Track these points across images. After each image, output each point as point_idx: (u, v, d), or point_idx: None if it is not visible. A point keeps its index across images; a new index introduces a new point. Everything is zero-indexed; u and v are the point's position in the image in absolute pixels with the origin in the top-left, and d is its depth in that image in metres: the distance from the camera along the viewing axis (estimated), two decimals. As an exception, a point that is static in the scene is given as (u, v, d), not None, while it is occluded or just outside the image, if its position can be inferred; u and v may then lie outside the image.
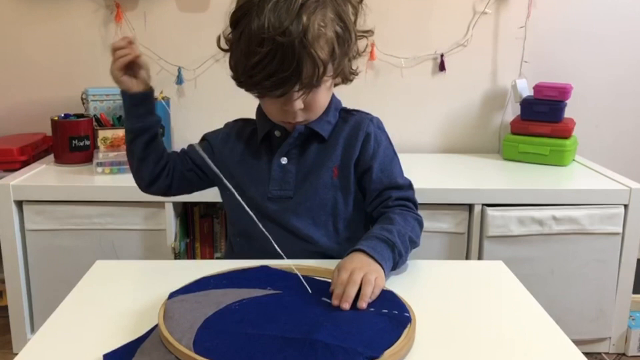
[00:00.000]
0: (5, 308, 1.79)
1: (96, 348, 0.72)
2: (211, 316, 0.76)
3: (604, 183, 1.78)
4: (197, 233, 1.92)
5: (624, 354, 1.84)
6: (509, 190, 1.74)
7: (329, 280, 0.87)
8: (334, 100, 1.10)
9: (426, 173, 1.89)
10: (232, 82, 1.01)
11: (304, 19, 0.91)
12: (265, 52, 0.91)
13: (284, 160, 1.07)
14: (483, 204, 1.72)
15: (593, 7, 2.08)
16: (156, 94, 1.98)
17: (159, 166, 1.13)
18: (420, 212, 1.08)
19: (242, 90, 1.02)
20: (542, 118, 1.98)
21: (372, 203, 1.08)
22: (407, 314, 0.78)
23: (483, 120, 2.16)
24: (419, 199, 1.10)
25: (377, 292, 0.84)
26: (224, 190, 1.14)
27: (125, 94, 1.08)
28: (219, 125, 1.18)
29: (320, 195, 1.06)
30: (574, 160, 2.03)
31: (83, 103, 2.00)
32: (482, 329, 0.80)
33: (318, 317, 0.77)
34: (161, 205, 1.72)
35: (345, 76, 1.05)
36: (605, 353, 1.84)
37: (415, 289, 0.92)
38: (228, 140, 1.14)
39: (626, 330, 1.82)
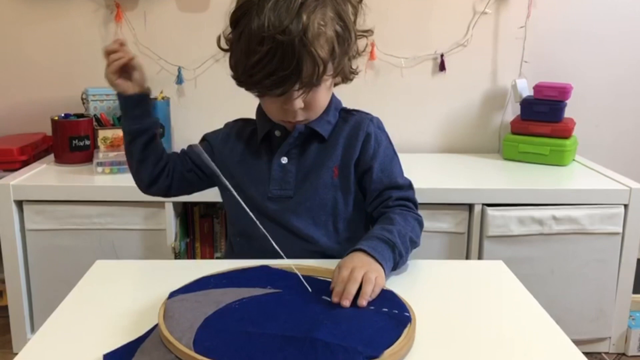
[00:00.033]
0: (5, 308, 1.79)
1: (96, 348, 0.72)
2: (211, 315, 0.76)
3: (604, 183, 1.78)
4: (197, 233, 1.92)
5: (624, 354, 1.84)
6: (509, 190, 1.74)
7: (329, 280, 0.87)
8: (334, 100, 1.10)
9: (426, 173, 1.88)
10: (232, 82, 1.01)
11: (304, 17, 0.91)
12: (266, 50, 0.91)
13: (284, 160, 1.07)
14: (483, 204, 1.72)
15: (593, 7, 2.08)
16: (156, 93, 2.00)
17: (158, 167, 1.13)
18: (420, 212, 1.08)
19: (242, 90, 1.02)
20: (542, 118, 1.98)
21: (373, 203, 1.08)
22: (407, 314, 0.78)
23: (483, 120, 2.16)
24: (419, 198, 1.10)
25: (378, 291, 0.84)
26: (224, 190, 1.14)
27: (120, 97, 1.08)
28: (219, 125, 1.18)
29: (321, 195, 1.06)
30: (574, 160, 2.03)
31: (83, 103, 2.00)
32: (482, 329, 0.80)
33: (318, 316, 0.77)
34: (161, 205, 1.72)
35: (345, 75, 1.05)
36: (605, 353, 1.85)
37: (415, 289, 0.92)
38: (228, 140, 1.14)
39: (626, 330, 1.82)
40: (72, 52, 2.06)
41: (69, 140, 1.87)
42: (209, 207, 1.93)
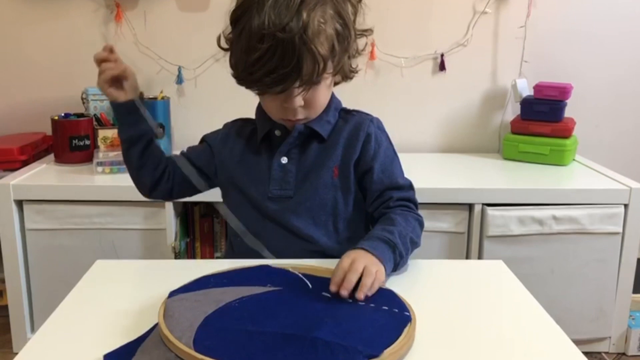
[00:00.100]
0: (6, 307, 1.79)
1: (96, 348, 0.72)
2: (211, 314, 0.76)
3: (604, 183, 1.78)
4: (197, 233, 1.92)
5: (624, 354, 1.84)
6: (509, 189, 1.74)
7: (330, 278, 0.87)
8: (333, 100, 1.10)
9: (426, 173, 1.88)
10: (232, 82, 1.01)
11: (304, 15, 0.91)
12: (266, 48, 0.91)
13: (284, 160, 1.07)
14: (483, 204, 1.72)
15: (593, 7, 2.08)
16: (156, 93, 2.00)
17: (158, 172, 1.13)
18: (421, 212, 1.08)
19: (243, 90, 1.02)
20: (542, 118, 1.98)
21: (373, 204, 1.08)
22: (407, 313, 0.78)
23: (483, 120, 2.16)
24: (419, 198, 1.10)
25: (377, 285, 0.84)
26: (227, 190, 1.14)
27: (113, 105, 1.08)
28: (219, 124, 1.18)
29: (321, 195, 1.06)
30: (574, 159, 2.03)
31: (83, 102, 2.00)
32: (482, 328, 0.80)
33: (318, 313, 0.77)
34: (161, 204, 1.72)
35: (345, 74, 1.05)
36: (605, 353, 1.85)
37: (415, 289, 0.92)
38: (227, 141, 1.14)
39: (626, 329, 1.82)
40: (72, 52, 2.06)
41: (69, 140, 1.87)
42: (209, 207, 1.93)
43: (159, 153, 1.13)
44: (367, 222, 1.14)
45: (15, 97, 2.11)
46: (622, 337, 1.83)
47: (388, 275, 0.91)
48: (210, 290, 0.83)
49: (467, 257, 1.75)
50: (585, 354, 0.73)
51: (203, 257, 1.93)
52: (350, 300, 0.81)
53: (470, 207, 1.74)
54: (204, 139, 1.18)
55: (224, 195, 1.15)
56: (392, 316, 0.77)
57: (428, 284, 0.95)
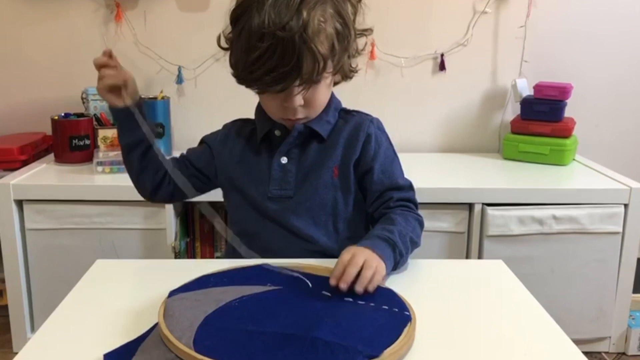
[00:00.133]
0: (6, 307, 1.79)
1: (96, 347, 0.72)
2: (211, 314, 0.76)
3: (604, 182, 1.78)
4: (197, 232, 1.92)
5: (624, 354, 1.84)
6: (509, 189, 1.74)
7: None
8: (333, 101, 1.10)
9: (426, 173, 1.88)
10: (232, 82, 1.01)
11: (304, 14, 0.91)
12: (266, 47, 0.92)
13: (284, 160, 1.07)
14: (483, 203, 1.72)
15: (593, 7, 2.08)
16: (156, 93, 2.00)
17: (159, 175, 1.13)
18: (421, 212, 1.08)
19: (242, 90, 1.02)
20: (542, 117, 1.98)
21: (374, 204, 1.08)
22: (407, 313, 0.78)
23: (483, 119, 2.16)
24: (419, 198, 1.10)
25: (378, 278, 0.84)
26: (227, 191, 1.14)
27: (112, 110, 1.08)
28: (219, 124, 1.18)
29: (321, 195, 1.06)
30: (574, 159, 2.03)
31: (83, 102, 2.00)
32: (482, 328, 0.80)
33: (318, 312, 0.77)
34: (161, 204, 1.72)
35: (345, 74, 1.06)
36: (605, 352, 1.84)
37: (415, 289, 0.92)
38: (227, 141, 1.14)
39: (626, 329, 1.82)
40: (72, 52, 2.06)
41: (69, 140, 1.87)
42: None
43: (160, 157, 1.13)
44: (367, 222, 1.14)
45: (15, 97, 2.11)
46: (622, 337, 1.83)
47: (388, 273, 0.91)
48: (210, 289, 0.83)
49: (467, 256, 1.75)
50: (585, 353, 0.73)
51: (203, 257, 1.93)
52: (351, 300, 0.81)
53: (470, 206, 1.74)
54: (203, 140, 1.18)
55: (224, 196, 1.16)
56: (392, 316, 0.77)
57: (428, 284, 0.95)
